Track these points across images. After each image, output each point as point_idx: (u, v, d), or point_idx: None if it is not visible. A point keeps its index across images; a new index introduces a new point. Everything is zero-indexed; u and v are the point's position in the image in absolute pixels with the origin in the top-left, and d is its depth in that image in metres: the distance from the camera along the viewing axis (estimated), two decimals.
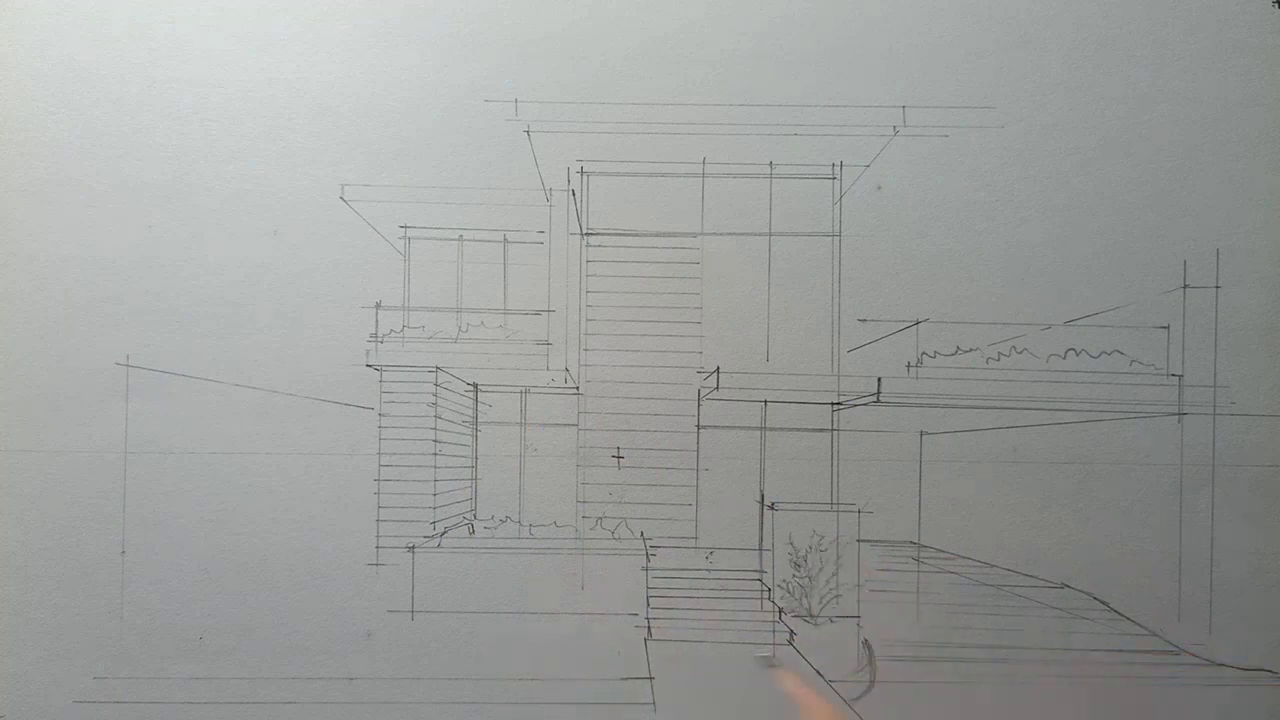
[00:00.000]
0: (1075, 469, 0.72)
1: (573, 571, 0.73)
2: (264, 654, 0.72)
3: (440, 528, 0.74)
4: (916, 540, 0.73)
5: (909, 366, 0.73)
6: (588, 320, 0.74)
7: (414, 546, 0.73)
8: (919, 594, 0.73)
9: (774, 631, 0.73)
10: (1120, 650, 0.72)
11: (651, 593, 0.74)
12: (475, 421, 0.76)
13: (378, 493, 0.73)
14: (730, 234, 0.74)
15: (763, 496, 0.74)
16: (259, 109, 0.73)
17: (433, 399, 0.75)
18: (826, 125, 0.73)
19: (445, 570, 0.73)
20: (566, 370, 0.74)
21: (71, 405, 0.72)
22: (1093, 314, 0.73)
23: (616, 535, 0.74)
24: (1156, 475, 0.72)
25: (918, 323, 0.73)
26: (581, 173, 0.73)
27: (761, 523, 0.74)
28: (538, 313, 0.74)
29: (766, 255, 0.74)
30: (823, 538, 0.74)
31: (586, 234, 0.74)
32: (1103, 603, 0.72)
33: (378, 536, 0.73)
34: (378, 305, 0.73)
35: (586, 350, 0.74)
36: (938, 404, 0.73)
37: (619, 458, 0.74)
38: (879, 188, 0.73)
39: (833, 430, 0.73)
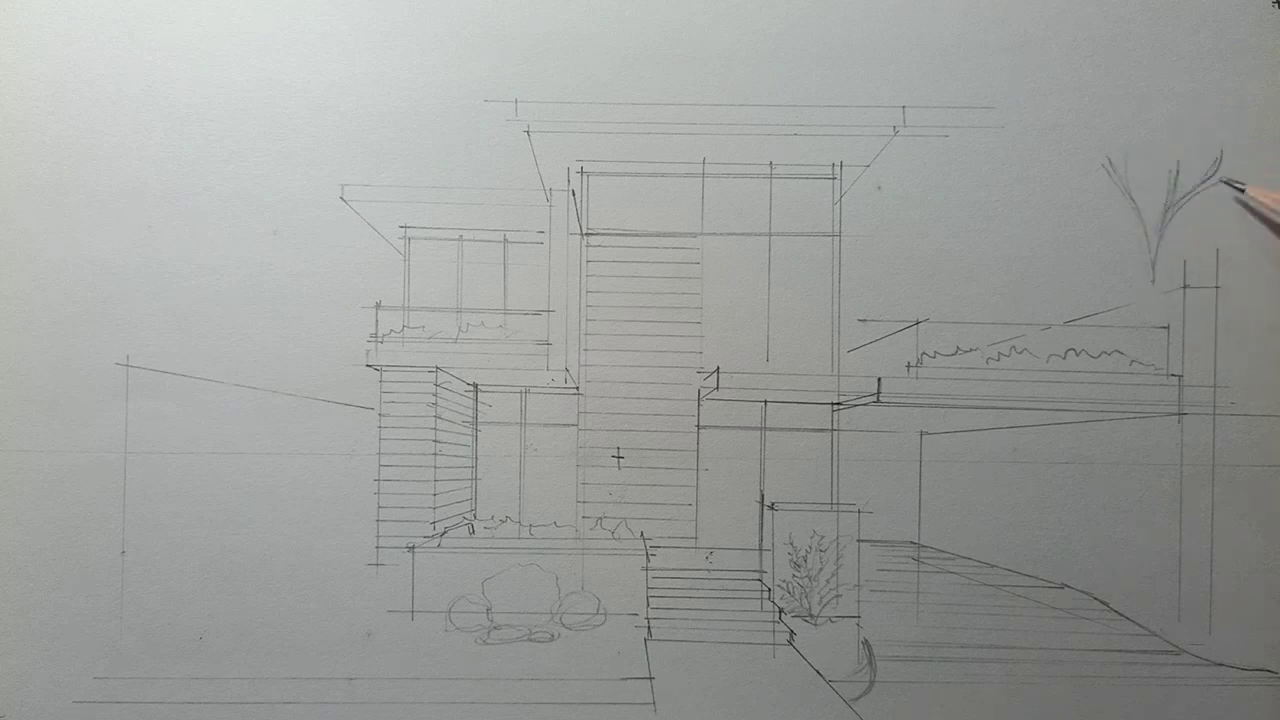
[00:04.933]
0: (1075, 469, 0.72)
1: (573, 571, 0.73)
2: (264, 654, 0.72)
3: (440, 528, 0.74)
4: (916, 540, 0.73)
5: (909, 366, 0.73)
6: (588, 320, 0.74)
7: (414, 546, 0.73)
8: (919, 594, 0.73)
9: (774, 631, 0.73)
10: (1120, 650, 0.72)
11: (651, 593, 0.74)
12: (475, 421, 0.76)
13: (378, 493, 0.73)
14: (730, 234, 0.74)
15: (763, 496, 0.74)
16: (259, 109, 0.73)
17: (433, 399, 0.75)
18: (826, 125, 0.73)
19: (445, 570, 0.73)
20: (566, 370, 0.74)
21: (71, 405, 0.72)
22: (1093, 314, 0.73)
23: (616, 535, 0.74)
24: (1156, 475, 0.72)
25: (918, 323, 0.73)
26: (581, 173, 0.73)
27: (761, 523, 0.74)
28: (538, 313, 0.74)
29: (766, 255, 0.74)
30: (823, 538, 0.74)
31: (586, 234, 0.74)
32: (1103, 603, 0.72)
33: (378, 536, 0.73)
34: (378, 305, 0.73)
35: (586, 350, 0.74)
36: (938, 404, 0.73)
37: (619, 458, 0.74)
38: (879, 188, 0.73)
39: (833, 430, 0.73)
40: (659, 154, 0.73)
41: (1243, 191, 0.69)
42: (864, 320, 0.73)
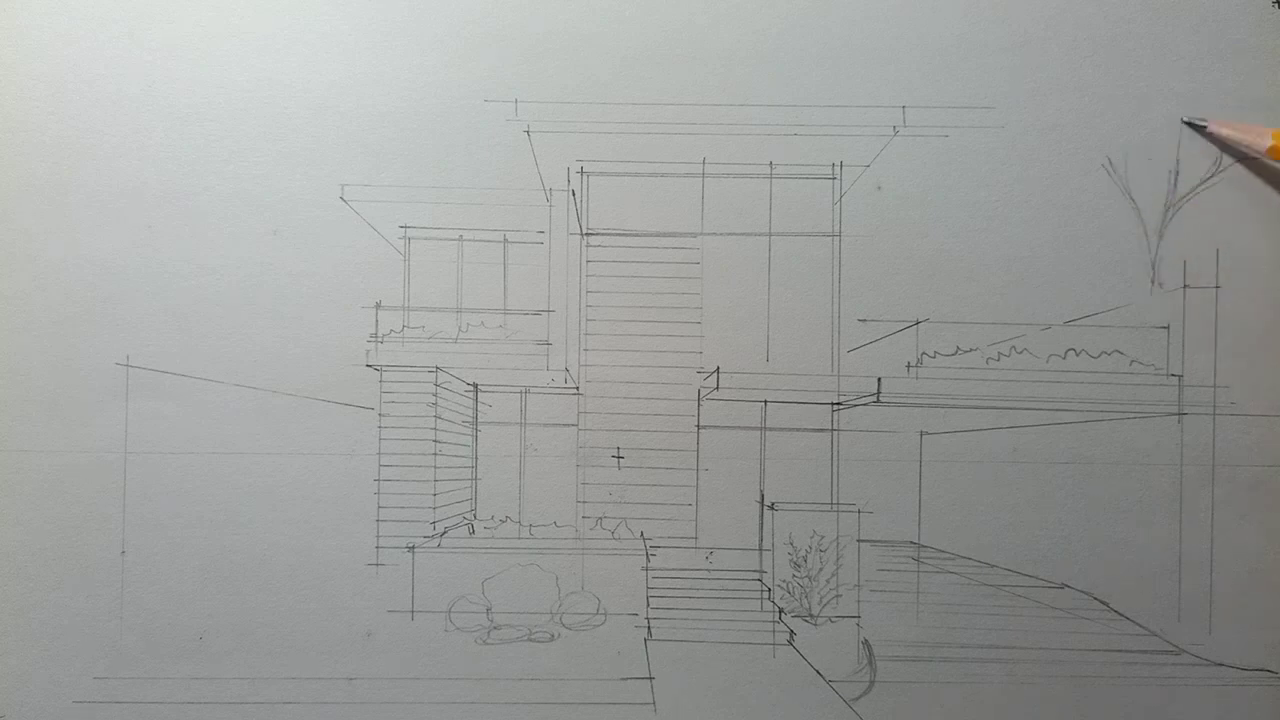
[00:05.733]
0: (1075, 469, 0.72)
1: (573, 571, 0.73)
2: (264, 654, 0.72)
3: (440, 528, 0.74)
4: (916, 540, 0.73)
5: (909, 366, 0.73)
6: (588, 320, 0.74)
7: (414, 546, 0.73)
8: (919, 594, 0.73)
9: (774, 631, 0.73)
10: (1120, 650, 0.72)
11: (651, 593, 0.74)
12: (475, 421, 0.76)
13: (378, 493, 0.73)
14: (730, 234, 0.74)
15: (763, 496, 0.74)
16: (259, 109, 0.73)
17: (433, 399, 0.75)
18: (826, 125, 0.73)
19: (445, 570, 0.73)
20: (566, 370, 0.74)
21: (71, 405, 0.72)
22: (1093, 314, 0.73)
23: (616, 535, 0.74)
24: (1156, 475, 0.72)
25: (918, 323, 0.73)
26: (581, 173, 0.73)
27: (761, 523, 0.74)
28: (538, 313, 0.74)
29: (766, 255, 0.74)
30: (823, 538, 0.74)
31: (586, 234, 0.74)
32: (1103, 603, 0.72)
33: (378, 536, 0.73)
34: (378, 305, 0.73)
35: (586, 350, 0.74)
36: (938, 404, 0.73)
37: (619, 458, 0.74)
38: (879, 188, 0.73)
39: (833, 430, 0.73)
40: (659, 154, 0.73)
41: (1205, 128, 0.69)
42: (864, 320, 0.73)
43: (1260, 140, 0.67)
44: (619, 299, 0.74)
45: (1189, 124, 0.70)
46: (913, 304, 0.73)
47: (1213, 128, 0.69)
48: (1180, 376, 0.72)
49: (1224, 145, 0.70)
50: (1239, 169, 0.72)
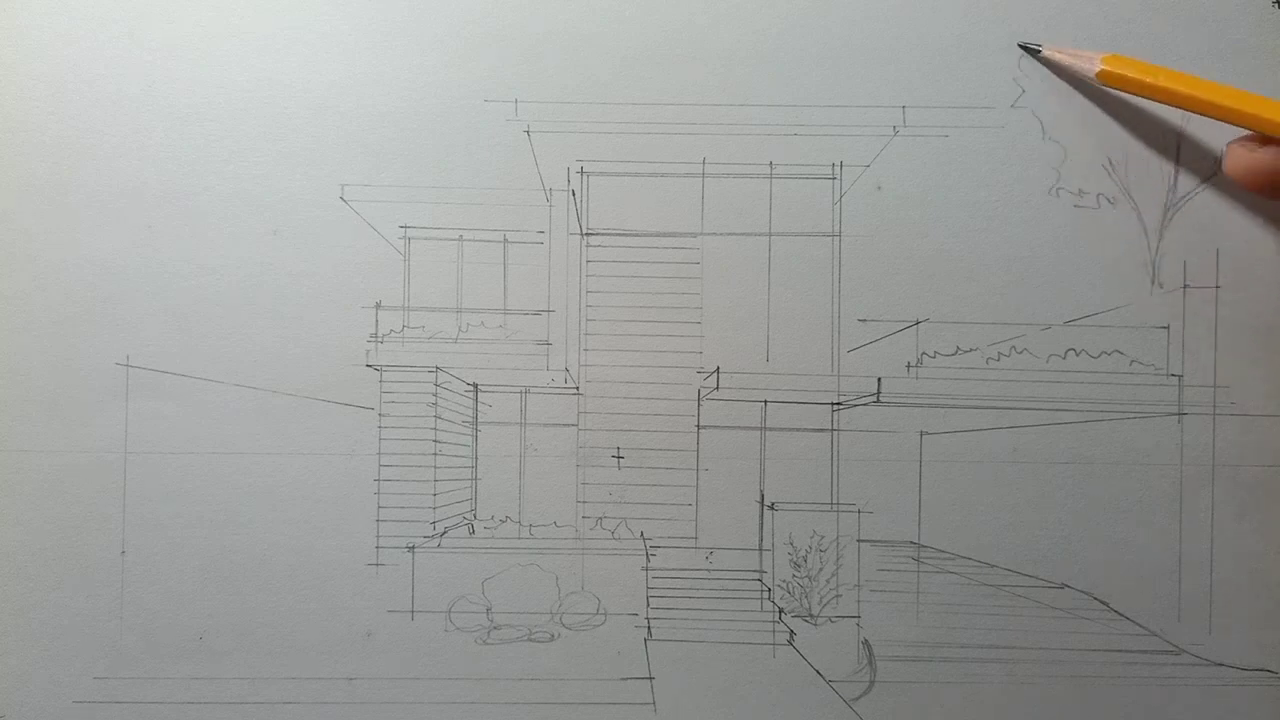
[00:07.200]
0: (1075, 469, 0.72)
1: (573, 571, 0.73)
2: (264, 654, 0.72)
3: (440, 528, 0.74)
4: (916, 540, 0.73)
5: (909, 366, 0.73)
6: (588, 320, 0.74)
7: (414, 546, 0.73)
8: (919, 594, 0.73)
9: (774, 631, 0.73)
10: (1120, 650, 0.72)
11: (651, 593, 0.74)
12: (475, 421, 0.76)
13: (378, 493, 0.73)
14: (730, 234, 0.74)
15: (763, 496, 0.74)
16: (259, 109, 0.73)
17: (433, 399, 0.75)
18: (826, 125, 0.73)
19: (445, 570, 0.73)
20: (566, 370, 0.74)
21: (71, 405, 0.72)
22: (1093, 314, 0.73)
23: (616, 535, 0.74)
24: (1156, 475, 0.72)
25: (918, 323, 0.73)
26: (581, 173, 0.73)
27: (761, 523, 0.74)
28: (538, 313, 0.74)
29: (766, 255, 0.74)
30: (823, 538, 0.74)
31: (586, 234, 0.74)
32: (1103, 603, 0.72)
33: (378, 536, 0.73)
34: (378, 305, 0.73)
35: (586, 350, 0.74)
36: (938, 404, 0.73)
37: (619, 458, 0.74)
38: (879, 188, 0.73)
39: (833, 430, 0.73)
40: (659, 154, 0.73)
41: (1039, 53, 0.71)
42: (864, 320, 0.73)
43: (1090, 66, 0.68)
44: (619, 299, 0.74)
45: (1024, 48, 0.70)
46: (913, 304, 0.73)
47: (1046, 52, 0.69)
48: (1180, 376, 0.72)
49: (1058, 70, 0.71)
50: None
